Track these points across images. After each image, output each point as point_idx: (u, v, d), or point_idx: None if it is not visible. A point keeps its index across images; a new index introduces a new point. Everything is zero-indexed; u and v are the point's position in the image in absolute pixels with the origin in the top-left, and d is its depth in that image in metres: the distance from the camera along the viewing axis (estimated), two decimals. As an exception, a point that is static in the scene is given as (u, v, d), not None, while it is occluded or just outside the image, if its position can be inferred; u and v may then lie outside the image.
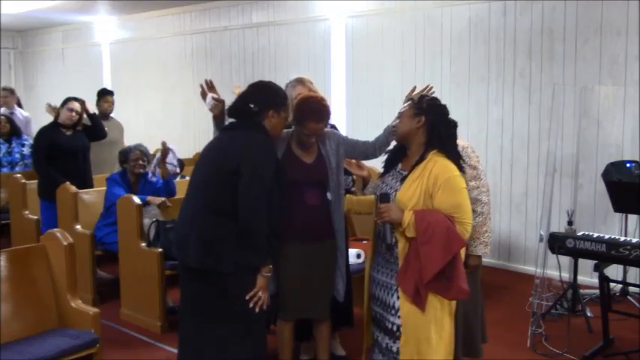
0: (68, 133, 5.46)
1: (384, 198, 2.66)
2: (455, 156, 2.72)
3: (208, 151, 2.98)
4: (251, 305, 2.80)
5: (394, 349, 2.69)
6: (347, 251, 3.59)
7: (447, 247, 2.54)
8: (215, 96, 3.16)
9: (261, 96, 2.96)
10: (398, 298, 2.67)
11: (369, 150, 3.19)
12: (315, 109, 3.10)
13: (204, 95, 3.22)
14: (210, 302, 2.86)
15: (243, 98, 2.98)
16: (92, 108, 5.78)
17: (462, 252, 2.66)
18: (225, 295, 2.83)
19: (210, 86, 3.22)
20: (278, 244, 2.96)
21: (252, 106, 2.91)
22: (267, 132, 2.93)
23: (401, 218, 2.57)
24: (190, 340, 2.96)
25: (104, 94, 6.64)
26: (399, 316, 2.66)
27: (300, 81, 3.62)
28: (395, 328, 2.68)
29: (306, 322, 3.50)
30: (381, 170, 2.95)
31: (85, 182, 5.47)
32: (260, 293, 2.82)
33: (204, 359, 2.91)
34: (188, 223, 2.88)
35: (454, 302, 2.72)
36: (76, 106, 5.46)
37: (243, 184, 2.74)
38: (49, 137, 5.34)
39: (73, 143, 5.44)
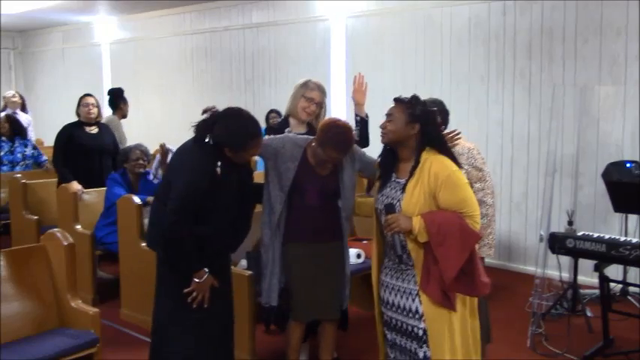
0: (93, 131, 5.48)
1: (390, 209, 2.61)
2: (448, 153, 2.66)
3: None
4: (189, 300, 2.91)
5: (420, 353, 2.63)
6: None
7: (464, 244, 2.52)
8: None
9: (222, 132, 2.85)
10: (421, 302, 2.61)
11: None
12: (341, 140, 3.05)
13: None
14: (159, 282, 3.07)
15: (208, 124, 2.90)
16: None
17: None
18: (171, 279, 2.99)
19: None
20: (221, 259, 3.09)
21: (207, 139, 2.88)
22: (220, 154, 2.86)
23: (410, 226, 2.53)
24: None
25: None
26: (423, 320, 2.61)
27: (318, 87, 3.64)
28: (421, 333, 2.62)
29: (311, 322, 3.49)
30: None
31: (100, 182, 5.39)
32: (195, 293, 2.91)
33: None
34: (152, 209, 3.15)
35: (475, 303, 2.69)
36: (91, 100, 5.49)
37: (169, 200, 2.84)
38: (69, 133, 5.39)
39: (91, 142, 5.43)
